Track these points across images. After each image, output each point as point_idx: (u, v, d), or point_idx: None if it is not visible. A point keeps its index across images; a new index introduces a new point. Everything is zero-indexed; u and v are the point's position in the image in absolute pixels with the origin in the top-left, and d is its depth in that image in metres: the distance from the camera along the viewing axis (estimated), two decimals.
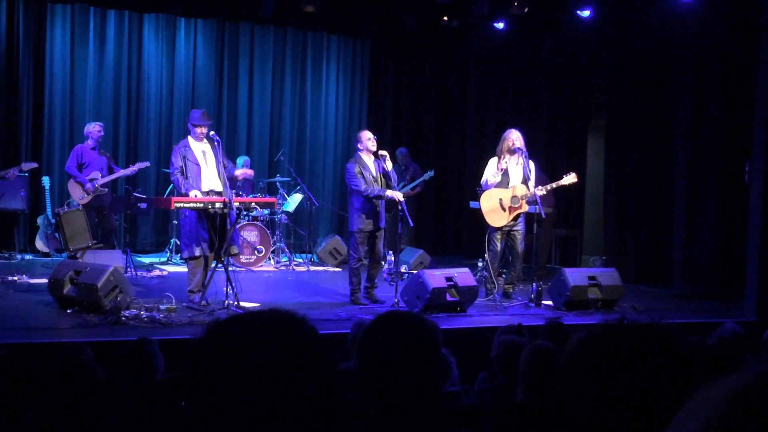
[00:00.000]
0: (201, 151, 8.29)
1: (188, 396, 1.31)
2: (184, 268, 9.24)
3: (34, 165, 10.93)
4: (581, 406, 1.33)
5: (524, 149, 8.96)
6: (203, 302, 7.93)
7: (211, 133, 8.31)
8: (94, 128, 10.69)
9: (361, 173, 8.65)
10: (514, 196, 8.90)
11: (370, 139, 8.80)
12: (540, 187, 8.86)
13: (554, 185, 8.99)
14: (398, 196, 8.62)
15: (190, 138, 8.35)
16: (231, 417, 1.26)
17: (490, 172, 9.08)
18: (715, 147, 9.88)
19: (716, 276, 9.84)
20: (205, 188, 8.19)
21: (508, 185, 8.98)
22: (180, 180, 8.16)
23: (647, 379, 1.30)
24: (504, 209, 8.94)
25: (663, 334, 1.36)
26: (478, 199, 9.22)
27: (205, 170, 8.25)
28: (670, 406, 1.19)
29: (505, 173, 9.02)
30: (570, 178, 8.96)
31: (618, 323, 1.40)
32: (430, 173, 11.80)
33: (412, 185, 12.09)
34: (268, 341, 1.31)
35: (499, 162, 9.02)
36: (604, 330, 1.38)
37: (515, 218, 8.96)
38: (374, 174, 8.73)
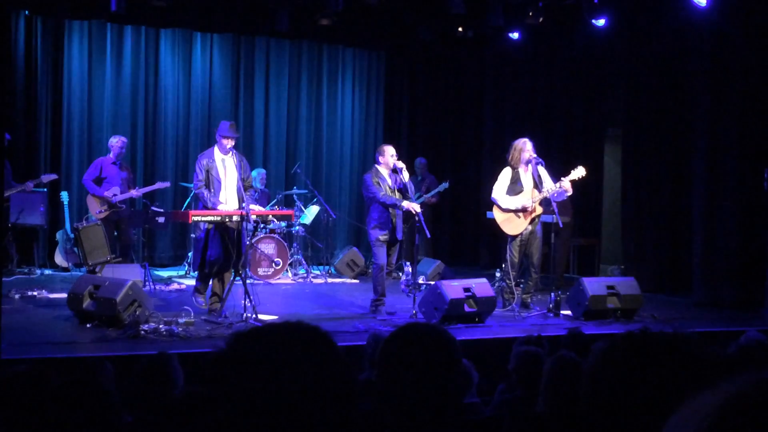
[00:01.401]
0: (223, 165, 8.30)
1: (209, 407, 1.31)
2: None
3: (54, 176, 10.98)
4: (605, 416, 1.32)
5: (535, 157, 8.95)
6: (223, 316, 7.96)
7: (229, 145, 8.32)
8: (116, 142, 10.76)
9: (378, 184, 8.66)
10: (527, 200, 8.88)
11: (393, 155, 8.80)
12: (552, 186, 8.79)
13: (563, 180, 8.87)
14: (415, 207, 8.62)
15: (216, 150, 8.36)
16: (252, 428, 1.26)
17: (501, 186, 9.04)
18: (733, 154, 9.81)
19: (736, 284, 9.75)
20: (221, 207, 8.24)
21: (518, 193, 8.96)
22: (206, 194, 8.20)
23: (672, 389, 1.29)
24: (518, 216, 8.92)
25: (688, 343, 1.35)
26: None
27: (224, 186, 8.28)
28: None
29: (517, 182, 9.00)
30: (578, 172, 8.88)
31: (641, 333, 1.38)
32: (445, 185, 11.78)
33: (426, 196, 12.08)
34: (290, 354, 1.31)
35: (513, 171, 9.01)
36: (628, 339, 1.37)
37: (531, 222, 8.92)
38: (391, 187, 8.74)
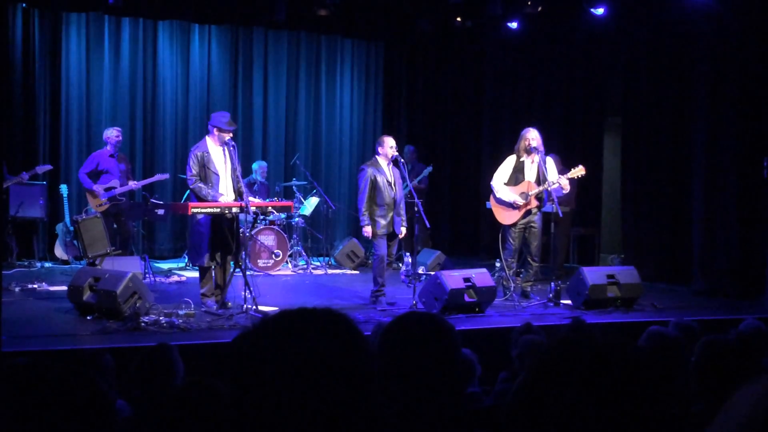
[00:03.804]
0: (221, 157, 8.25)
1: (233, 386, 1.31)
2: None
3: (48, 167, 11.03)
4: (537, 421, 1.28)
5: (541, 148, 8.91)
6: (229, 305, 7.99)
7: (227, 137, 8.27)
8: (112, 133, 10.74)
9: (375, 178, 8.64)
10: (522, 193, 8.88)
11: (392, 147, 8.79)
12: (551, 182, 8.79)
13: (561, 178, 8.86)
14: (366, 231, 8.69)
15: (209, 141, 8.21)
16: (274, 408, 1.26)
17: (502, 174, 9.04)
18: (732, 142, 9.81)
19: (736, 272, 9.76)
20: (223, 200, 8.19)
21: (519, 183, 8.95)
22: (202, 187, 8.06)
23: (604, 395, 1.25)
24: (513, 207, 8.92)
25: (617, 350, 1.30)
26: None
27: (222, 179, 8.22)
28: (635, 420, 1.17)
29: (520, 171, 8.99)
30: (578, 171, 8.90)
31: (572, 340, 1.33)
32: (429, 169, 11.97)
33: (412, 183, 12.11)
34: (317, 338, 1.31)
35: (517, 160, 9.00)
36: (558, 348, 1.33)
37: (526, 214, 8.92)
38: (389, 179, 8.73)
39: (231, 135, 8.24)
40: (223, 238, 8.15)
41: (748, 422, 0.88)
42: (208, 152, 8.14)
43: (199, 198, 8.11)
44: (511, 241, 8.98)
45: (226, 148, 8.23)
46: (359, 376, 1.32)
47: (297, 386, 1.28)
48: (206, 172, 8.12)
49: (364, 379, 1.33)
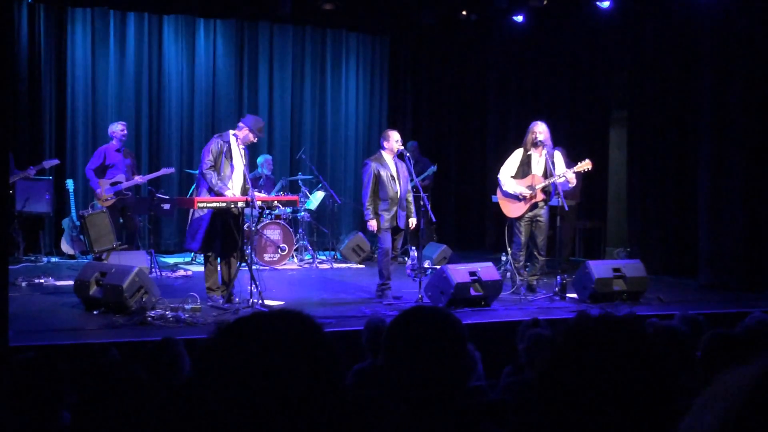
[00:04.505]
0: (239, 152, 8.24)
1: (196, 396, 1.31)
2: None
3: (56, 162, 11.09)
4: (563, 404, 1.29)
5: (548, 142, 8.89)
6: (236, 300, 8.01)
7: (243, 137, 8.28)
8: (117, 128, 10.75)
9: (378, 173, 8.63)
10: (529, 186, 8.86)
11: (398, 141, 8.78)
12: (558, 176, 8.77)
13: (568, 172, 8.85)
14: (372, 225, 8.64)
15: (232, 137, 8.22)
16: (236, 416, 1.26)
17: (509, 167, 9.02)
18: (738, 135, 9.78)
19: (742, 265, 9.73)
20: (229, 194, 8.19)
21: (526, 176, 8.94)
22: (213, 176, 8.04)
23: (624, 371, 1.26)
24: (519, 199, 8.91)
25: (632, 326, 1.32)
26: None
27: (236, 175, 8.22)
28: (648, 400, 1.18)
29: (527, 164, 8.97)
30: (584, 164, 8.88)
31: (585, 320, 1.35)
32: (434, 168, 11.98)
33: (416, 180, 12.13)
34: (276, 341, 1.31)
35: (524, 153, 8.97)
36: (578, 327, 1.34)
37: (532, 207, 8.90)
38: (393, 173, 8.71)
39: (255, 141, 8.29)
40: (228, 234, 8.14)
41: (727, 408, 0.88)
42: (229, 144, 8.16)
43: (208, 186, 8.10)
44: (519, 234, 8.96)
45: (241, 147, 8.24)
46: (321, 372, 1.32)
47: (260, 388, 1.28)
48: (223, 161, 8.11)
49: (326, 374, 1.33)
